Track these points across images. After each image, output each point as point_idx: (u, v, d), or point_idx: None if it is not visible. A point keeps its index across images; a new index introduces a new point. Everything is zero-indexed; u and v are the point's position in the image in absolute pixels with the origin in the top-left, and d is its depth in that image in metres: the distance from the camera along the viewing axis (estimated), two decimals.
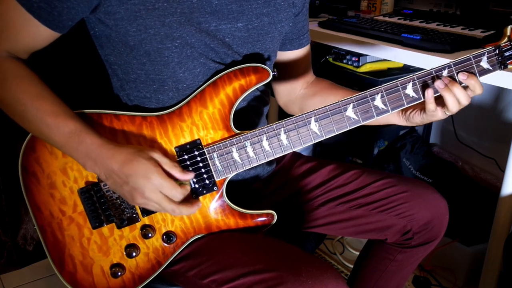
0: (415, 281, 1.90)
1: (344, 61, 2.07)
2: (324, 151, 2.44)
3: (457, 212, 1.84)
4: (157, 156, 0.93)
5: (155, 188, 0.91)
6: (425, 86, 0.99)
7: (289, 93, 1.29)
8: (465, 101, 0.99)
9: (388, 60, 2.02)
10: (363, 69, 2.01)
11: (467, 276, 1.89)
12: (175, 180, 0.94)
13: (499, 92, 2.00)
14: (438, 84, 0.98)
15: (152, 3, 0.92)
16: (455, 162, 2.17)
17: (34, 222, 1.04)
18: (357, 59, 2.01)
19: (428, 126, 2.31)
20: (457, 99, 0.98)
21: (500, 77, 1.27)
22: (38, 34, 0.95)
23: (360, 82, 2.00)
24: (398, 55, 1.54)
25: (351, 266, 1.82)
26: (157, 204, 0.93)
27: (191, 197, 0.99)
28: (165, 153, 1.00)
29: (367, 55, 1.98)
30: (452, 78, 0.99)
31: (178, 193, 0.93)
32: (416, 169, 2.14)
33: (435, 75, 0.99)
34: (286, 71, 1.26)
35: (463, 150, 2.18)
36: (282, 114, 1.18)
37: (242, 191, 1.13)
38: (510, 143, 1.38)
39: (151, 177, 0.90)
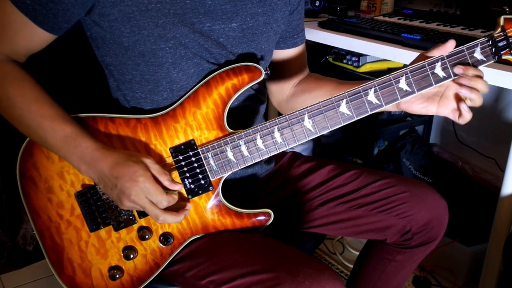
0: (415, 281, 1.90)
1: (344, 61, 2.07)
2: (324, 151, 2.43)
3: (457, 212, 1.84)
4: (148, 161, 0.94)
5: (141, 191, 0.91)
6: (418, 80, 0.98)
7: (280, 92, 1.29)
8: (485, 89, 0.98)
9: (388, 60, 2.02)
10: (363, 69, 2.01)
11: (467, 276, 1.88)
12: (164, 188, 0.94)
13: (499, 92, 2.00)
14: (458, 70, 0.97)
15: (145, 5, 0.93)
16: (455, 162, 2.17)
17: (33, 227, 1.04)
18: (357, 59, 2.01)
19: (428, 126, 2.31)
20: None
21: (500, 77, 1.26)
22: (35, 36, 0.96)
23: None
24: (398, 55, 1.53)
25: (351, 266, 1.82)
26: (142, 209, 0.94)
27: (180, 205, 0.99)
28: (160, 154, 1.01)
29: (367, 55, 1.99)
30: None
31: (164, 200, 0.93)
32: (416, 169, 2.13)
33: (428, 68, 0.98)
34: (280, 70, 1.26)
35: (463, 150, 2.17)
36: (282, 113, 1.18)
37: (240, 190, 1.13)
38: (510, 143, 1.37)
39: (137, 180, 0.91)
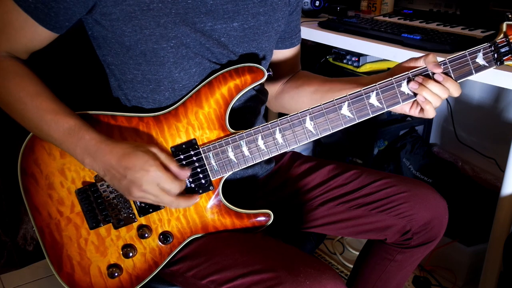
0: (415, 281, 1.90)
1: (344, 61, 2.07)
2: (324, 151, 2.44)
3: (457, 212, 1.84)
4: (155, 150, 0.93)
5: (153, 180, 0.91)
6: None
7: (270, 89, 1.29)
8: (444, 94, 0.98)
9: (388, 60, 2.02)
10: (363, 69, 2.01)
11: (467, 276, 1.88)
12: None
13: (499, 92, 2.00)
14: (412, 85, 0.98)
15: (146, 4, 0.93)
16: (455, 162, 2.17)
17: (33, 224, 1.05)
18: (357, 59, 2.01)
19: (428, 126, 2.31)
20: (435, 94, 0.98)
21: (500, 77, 1.27)
22: (36, 35, 0.96)
23: None
24: (398, 55, 1.53)
25: (351, 266, 1.82)
26: (154, 197, 0.93)
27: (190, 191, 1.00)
28: None
29: (367, 55, 1.99)
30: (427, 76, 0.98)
31: (176, 186, 0.93)
32: (416, 169, 2.13)
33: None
34: (273, 69, 1.26)
35: (463, 150, 2.17)
36: (282, 113, 1.18)
37: (240, 190, 1.13)
38: (510, 143, 1.37)
39: (149, 169, 0.90)
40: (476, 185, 2.04)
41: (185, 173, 0.96)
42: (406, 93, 0.99)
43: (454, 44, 1.44)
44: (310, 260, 0.91)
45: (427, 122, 2.30)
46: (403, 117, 2.22)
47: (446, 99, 2.15)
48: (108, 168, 0.93)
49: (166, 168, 0.93)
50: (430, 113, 1.01)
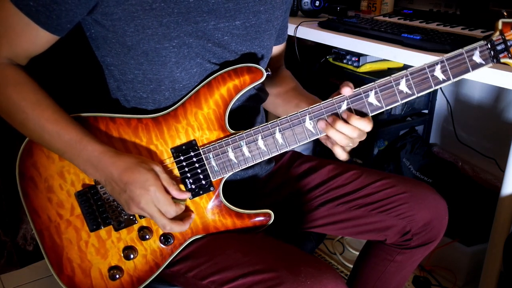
0: (415, 281, 1.90)
1: (344, 61, 2.07)
2: (324, 150, 2.42)
3: (457, 212, 1.84)
4: (158, 169, 0.94)
5: (151, 200, 0.92)
6: (418, 82, 0.98)
7: None
8: (356, 136, 1.00)
9: (388, 60, 2.02)
10: (363, 69, 2.01)
11: (467, 276, 1.88)
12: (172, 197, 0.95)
13: (499, 92, 2.00)
14: (321, 125, 0.99)
15: (149, 4, 0.93)
16: (455, 162, 2.17)
17: (32, 227, 1.04)
18: (357, 59, 2.01)
19: (428, 126, 2.31)
20: (345, 134, 0.98)
21: (500, 77, 1.26)
22: (38, 38, 0.95)
23: (360, 82, 1.99)
24: (398, 55, 1.53)
25: (351, 266, 1.82)
26: (150, 216, 0.95)
27: (185, 215, 1.00)
28: (161, 154, 1.01)
29: (367, 55, 1.99)
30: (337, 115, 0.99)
31: (172, 210, 0.94)
32: (416, 169, 2.13)
33: (428, 70, 0.98)
34: None
35: (463, 150, 2.17)
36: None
37: (240, 191, 1.13)
38: (510, 143, 1.37)
39: (149, 188, 0.91)
40: (476, 185, 2.04)
41: (185, 196, 0.97)
42: (405, 91, 0.99)
43: (454, 44, 1.44)
44: (311, 260, 0.91)
45: (427, 122, 2.30)
46: (403, 117, 2.22)
47: (446, 99, 2.16)
48: (109, 180, 0.94)
49: (166, 190, 0.94)
50: (340, 155, 1.02)
